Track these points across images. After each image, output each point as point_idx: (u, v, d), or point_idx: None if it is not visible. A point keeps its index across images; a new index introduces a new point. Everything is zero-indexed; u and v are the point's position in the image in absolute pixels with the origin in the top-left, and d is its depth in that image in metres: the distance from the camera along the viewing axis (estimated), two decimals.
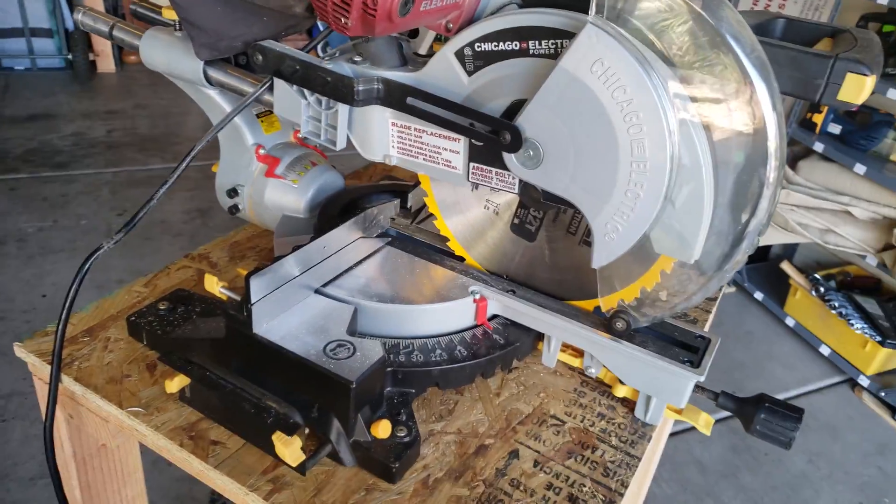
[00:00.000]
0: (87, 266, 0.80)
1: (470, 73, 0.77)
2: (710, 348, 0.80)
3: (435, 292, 0.85)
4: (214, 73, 0.91)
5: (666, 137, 0.66)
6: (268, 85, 0.86)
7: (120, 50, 4.69)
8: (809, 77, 0.63)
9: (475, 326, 0.86)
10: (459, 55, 0.76)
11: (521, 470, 0.75)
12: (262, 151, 0.96)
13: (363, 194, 1.00)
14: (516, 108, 0.74)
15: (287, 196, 0.96)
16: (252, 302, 0.72)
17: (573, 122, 0.70)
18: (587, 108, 0.68)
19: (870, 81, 0.67)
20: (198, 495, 1.85)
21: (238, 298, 0.74)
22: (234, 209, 0.99)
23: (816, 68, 0.62)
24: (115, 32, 0.99)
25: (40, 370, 0.83)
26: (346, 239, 0.86)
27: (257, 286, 0.72)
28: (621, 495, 0.74)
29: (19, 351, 0.84)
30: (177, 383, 0.74)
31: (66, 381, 0.81)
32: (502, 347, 0.84)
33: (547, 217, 0.84)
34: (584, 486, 0.74)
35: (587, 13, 0.68)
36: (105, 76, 4.55)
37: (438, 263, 0.90)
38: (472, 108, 0.76)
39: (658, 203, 0.69)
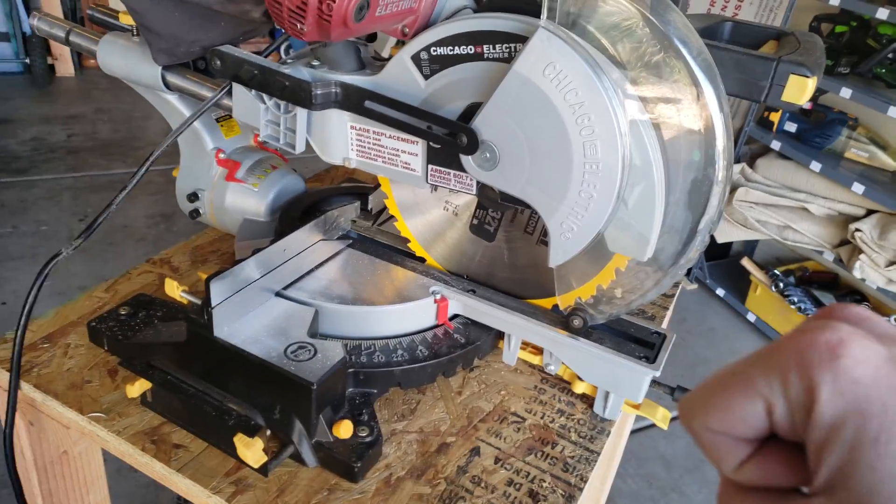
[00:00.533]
0: (45, 272, 0.79)
1: (426, 77, 0.78)
2: (665, 344, 0.82)
3: (396, 293, 0.86)
4: (173, 79, 0.91)
5: (617, 139, 0.68)
6: (226, 90, 0.86)
7: (79, 54, 4.60)
8: (754, 79, 0.65)
9: (436, 326, 0.88)
10: (416, 59, 0.77)
11: (482, 467, 0.77)
12: (222, 156, 0.96)
13: (324, 197, 1.01)
14: (473, 111, 0.76)
15: (248, 200, 0.96)
16: (212, 305, 0.72)
17: (527, 124, 0.71)
18: (540, 111, 0.70)
19: (811, 83, 0.69)
20: (163, 501, 1.83)
21: (199, 302, 0.74)
22: (195, 213, 0.99)
23: (761, 70, 0.65)
24: (72, 38, 0.98)
25: None
26: (306, 242, 0.86)
27: (218, 290, 0.72)
28: (580, 490, 0.75)
29: None
30: (138, 388, 0.73)
31: (26, 388, 0.80)
32: (463, 346, 0.85)
33: (505, 217, 0.85)
34: (545, 481, 0.76)
35: (536, 16, 0.70)
36: (64, 80, 4.46)
37: (399, 265, 0.91)
38: (428, 111, 0.77)
39: (611, 203, 0.71)
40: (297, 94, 0.80)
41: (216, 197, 0.97)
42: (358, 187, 1.05)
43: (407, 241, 0.93)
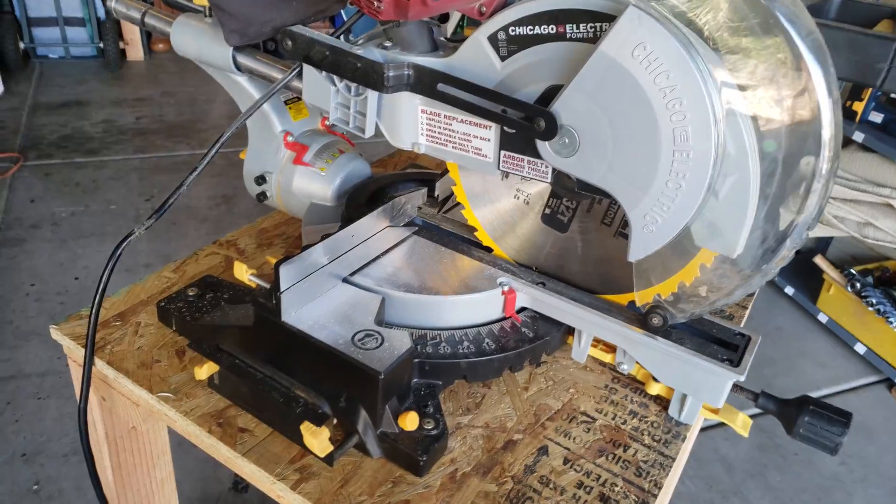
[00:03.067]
0: (119, 251, 0.80)
1: (503, 58, 0.74)
2: (750, 346, 0.77)
3: (462, 283, 0.83)
4: (244, 60, 0.90)
5: (711, 125, 0.63)
6: (297, 71, 0.85)
7: (148, 38, 4.73)
8: (870, 60, 0.60)
9: (503, 319, 0.85)
10: (493, 40, 0.74)
11: (550, 467, 0.74)
12: (290, 139, 0.95)
13: (390, 183, 0.99)
14: (551, 94, 0.72)
15: (315, 184, 0.94)
16: (281, 290, 0.71)
17: (612, 108, 0.67)
18: (627, 95, 0.66)
19: None
20: (222, 477, 1.86)
21: (267, 286, 0.72)
22: (262, 196, 0.98)
23: (879, 51, 0.59)
24: (147, 19, 0.98)
25: (74, 352, 0.84)
26: (373, 228, 0.84)
27: (286, 274, 0.71)
28: (654, 496, 0.72)
29: (55, 333, 0.85)
30: (206, 370, 0.73)
31: (99, 365, 0.81)
32: (531, 341, 0.82)
33: (580, 207, 0.81)
34: (616, 485, 0.72)
35: None
36: (134, 64, 4.59)
37: (466, 254, 0.89)
38: (504, 94, 0.73)
39: (701, 194, 0.66)
40: (369, 76, 0.77)
41: (283, 180, 0.96)
42: (424, 173, 1.03)
43: (474, 229, 0.90)
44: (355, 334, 0.73)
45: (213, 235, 2.83)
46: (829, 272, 2.64)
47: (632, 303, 0.81)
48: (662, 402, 0.83)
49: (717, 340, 0.79)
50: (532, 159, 0.76)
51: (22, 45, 4.21)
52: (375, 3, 0.65)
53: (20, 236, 2.73)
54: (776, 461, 2.12)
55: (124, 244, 0.80)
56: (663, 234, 0.70)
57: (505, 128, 0.76)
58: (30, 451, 1.86)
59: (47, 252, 2.66)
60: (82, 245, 2.72)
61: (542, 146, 0.73)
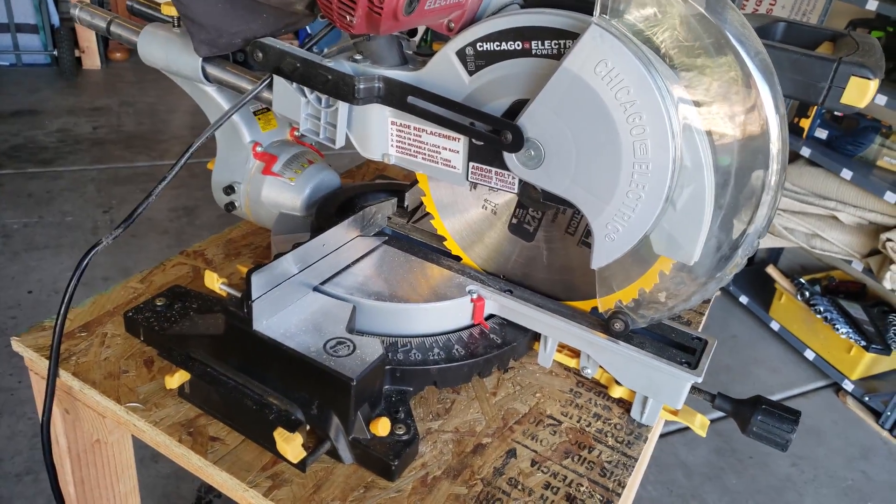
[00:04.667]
0: (86, 261, 0.79)
1: (471, 73, 0.77)
2: (706, 350, 0.81)
3: (432, 291, 0.85)
4: (213, 70, 0.91)
5: (669, 139, 0.67)
6: (267, 82, 0.86)
7: (105, 47, 4.64)
8: (812, 80, 0.64)
9: (472, 326, 0.87)
10: (461, 55, 0.76)
11: (518, 469, 0.76)
12: (259, 149, 0.96)
13: (360, 193, 1.00)
14: (518, 107, 0.75)
15: (284, 194, 0.95)
16: (253, 299, 0.72)
17: (575, 122, 0.70)
18: (590, 109, 0.69)
19: (873, 85, 0.68)
20: (185, 493, 1.83)
21: (238, 295, 0.73)
22: (231, 206, 0.98)
23: (820, 71, 0.63)
24: (113, 28, 0.98)
25: (37, 364, 0.82)
26: (344, 237, 0.86)
27: (258, 283, 0.72)
28: (618, 495, 0.74)
29: (16, 345, 0.83)
30: (177, 379, 0.73)
31: (64, 377, 0.80)
32: (499, 347, 0.84)
33: (545, 217, 0.84)
34: (582, 485, 0.75)
35: (590, 14, 0.68)
36: (90, 73, 4.50)
37: (435, 262, 0.90)
38: (472, 107, 0.76)
39: (659, 204, 0.70)
40: (340, 88, 0.79)
41: (252, 190, 0.96)
42: (393, 184, 1.04)
43: (443, 238, 0.92)
44: (327, 342, 0.74)
45: (174, 248, 2.80)
46: (780, 281, 2.74)
47: (594, 309, 0.84)
48: (625, 405, 0.86)
49: (676, 344, 0.82)
50: (499, 171, 0.79)
51: None
52: (348, 18, 0.66)
53: None
54: (732, 464, 2.19)
55: (91, 253, 0.80)
56: (624, 243, 0.73)
57: (473, 140, 0.78)
58: None
59: None
60: (36, 258, 2.65)
61: (509, 158, 0.76)
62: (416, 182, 0.97)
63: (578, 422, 0.83)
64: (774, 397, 2.54)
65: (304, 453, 0.68)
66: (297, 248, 0.77)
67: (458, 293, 0.85)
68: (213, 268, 1.01)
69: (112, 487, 1.01)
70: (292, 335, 0.74)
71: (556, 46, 0.71)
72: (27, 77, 4.27)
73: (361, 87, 0.78)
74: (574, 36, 0.69)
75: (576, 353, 0.88)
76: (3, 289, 2.46)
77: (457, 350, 0.82)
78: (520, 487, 0.73)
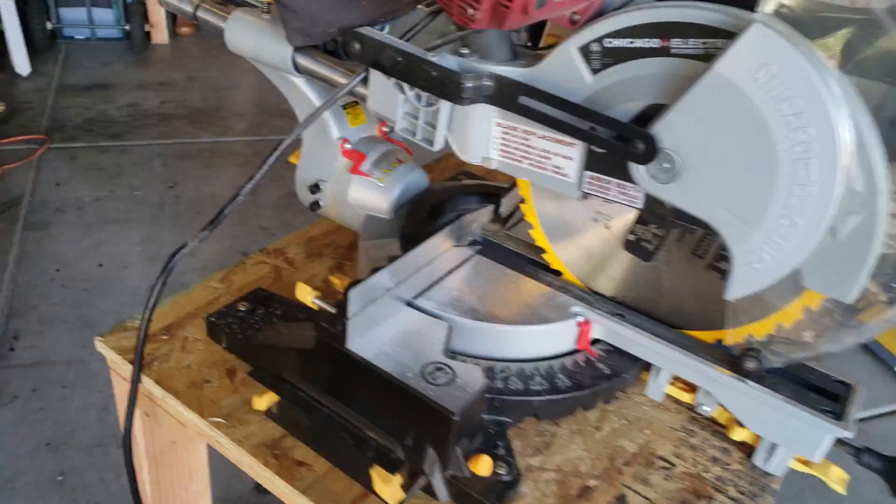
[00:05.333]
0: (171, 264, 0.74)
1: (595, 72, 0.68)
2: (852, 397, 0.71)
3: (533, 311, 0.77)
4: (304, 61, 0.84)
5: (839, 159, 0.57)
6: (362, 76, 0.79)
7: (173, 21, 4.67)
8: None
9: (576, 351, 0.79)
10: (585, 51, 0.68)
11: None
12: (347, 146, 0.89)
13: (450, 195, 0.93)
14: (649, 113, 0.66)
15: (372, 195, 0.89)
16: (349, 317, 0.65)
17: (723, 134, 0.61)
18: (743, 120, 0.59)
19: None
20: (245, 477, 1.82)
21: (332, 310, 0.67)
22: (315, 205, 0.92)
23: None
24: (200, 13, 0.92)
25: (120, 367, 0.79)
26: (439, 249, 0.78)
27: (355, 300, 0.65)
28: None
29: (99, 346, 0.80)
30: (266, 401, 0.68)
31: (147, 383, 0.76)
32: (607, 378, 0.76)
33: (670, 235, 0.75)
34: None
35: (749, 9, 0.59)
36: (158, 47, 4.53)
37: (534, 277, 0.82)
38: (596, 111, 0.67)
39: (818, 234, 0.60)
40: (445, 87, 0.71)
41: (339, 190, 0.90)
42: (486, 186, 0.96)
43: (542, 251, 0.83)
44: (424, 367, 0.67)
45: (237, 226, 2.79)
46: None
47: (719, 341, 0.75)
48: (746, 449, 0.76)
49: (813, 387, 0.72)
50: (622, 182, 0.70)
51: (49, 26, 4.16)
52: (469, 12, 0.58)
53: (46, 220, 2.69)
54: None
55: (176, 257, 0.75)
56: (769, 274, 0.64)
57: (593, 147, 0.70)
58: (55, 441, 1.83)
59: (72, 237, 2.62)
60: (107, 231, 2.68)
61: (637, 170, 0.67)
62: (513, 185, 0.89)
63: (694, 466, 0.74)
64: (861, 414, 2.38)
65: (403, 495, 0.61)
66: (394, 262, 0.70)
67: (563, 315, 0.77)
68: (295, 268, 0.95)
69: (186, 488, 0.98)
70: (386, 356, 0.68)
71: (703, 46, 0.61)
72: (100, 51, 4.33)
73: (469, 85, 0.70)
74: (727, 34, 0.59)
75: (691, 387, 0.79)
76: (77, 261, 2.49)
77: (560, 379, 0.74)
78: None
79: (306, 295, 0.69)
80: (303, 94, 0.88)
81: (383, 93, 0.78)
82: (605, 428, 0.77)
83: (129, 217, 2.79)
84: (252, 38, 0.86)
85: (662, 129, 0.64)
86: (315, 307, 0.69)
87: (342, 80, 0.82)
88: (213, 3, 0.93)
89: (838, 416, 0.68)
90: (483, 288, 0.80)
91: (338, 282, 0.72)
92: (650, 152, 0.65)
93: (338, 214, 0.92)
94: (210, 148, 3.35)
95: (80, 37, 4.45)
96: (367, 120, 0.93)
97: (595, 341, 0.79)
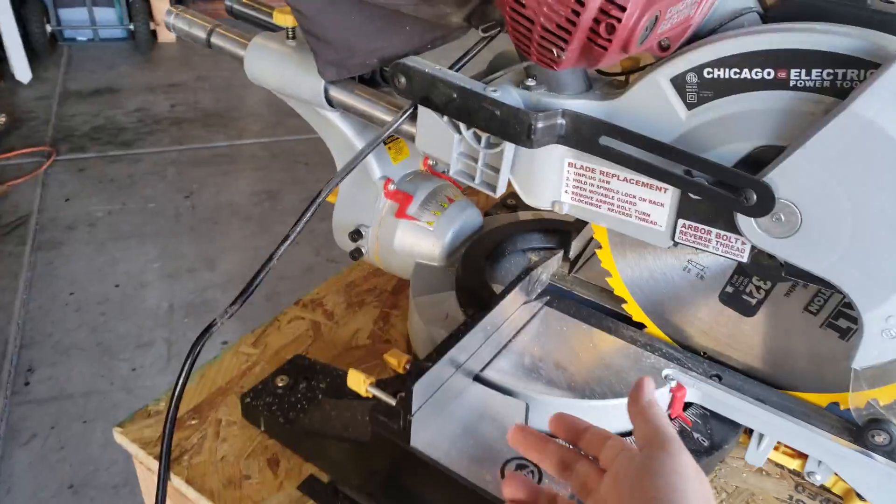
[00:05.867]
0: (199, 347, 0.65)
1: (690, 107, 0.58)
2: None
3: (620, 378, 0.67)
4: (338, 94, 0.74)
5: None
6: (408, 113, 0.69)
7: None
8: None
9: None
10: (678, 83, 0.57)
11: None
12: (391, 186, 0.79)
13: (508, 235, 0.83)
14: (760, 156, 0.55)
15: (422, 241, 0.79)
16: (413, 413, 0.56)
17: (858, 183, 0.51)
18: (885, 167, 0.49)
19: None
20: None
21: (391, 401, 0.57)
22: (357, 253, 0.83)
23: None
24: (215, 39, 0.82)
25: (145, 461, 0.70)
26: (510, 310, 0.69)
27: (420, 394, 0.56)
28: None
29: (119, 437, 0.71)
30: None
31: (177, 482, 0.67)
32: (707, 452, 0.66)
33: (777, 289, 0.65)
34: None
35: (891, 32, 0.48)
36: (165, 46, 4.42)
37: (615, 333, 0.73)
38: (694, 154, 0.57)
39: None
40: (510, 127, 0.61)
41: (383, 236, 0.80)
42: (547, 221, 0.86)
43: (622, 300, 0.74)
44: (505, 466, 0.58)
45: (257, 235, 2.70)
46: None
47: (833, 405, 0.65)
48: None
49: None
50: (724, 233, 0.60)
51: (48, 28, 4.05)
52: (555, 52, 0.48)
53: (56, 239, 2.61)
54: None
55: (205, 337, 0.66)
56: None
57: (690, 194, 0.59)
58: (77, 482, 1.76)
59: (85, 256, 2.54)
60: (121, 248, 2.60)
61: (746, 222, 0.57)
62: (581, 224, 0.79)
63: None
64: None
65: None
66: (462, 338, 0.61)
67: (654, 380, 0.67)
68: (335, 322, 0.86)
69: None
70: (459, 452, 0.59)
71: (831, 77, 0.51)
72: (104, 52, 4.23)
73: (539, 126, 0.60)
74: (865, 65, 0.49)
75: (798, 453, 0.69)
76: (92, 282, 2.42)
77: None
78: None
79: (360, 384, 0.59)
80: (338, 130, 0.78)
81: (434, 132, 0.68)
82: None
83: (144, 231, 2.70)
84: (277, 70, 0.76)
85: (779, 177, 0.53)
86: (369, 395, 0.60)
87: (385, 117, 0.72)
88: (228, 28, 0.83)
89: None
90: (558, 349, 0.70)
91: (394, 361, 0.63)
92: (766, 204, 0.54)
93: (383, 262, 0.82)
94: (225, 152, 3.25)
95: (82, 38, 4.34)
96: (411, 153, 0.83)
97: (687, 405, 0.70)
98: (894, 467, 0.60)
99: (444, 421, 0.61)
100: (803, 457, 0.69)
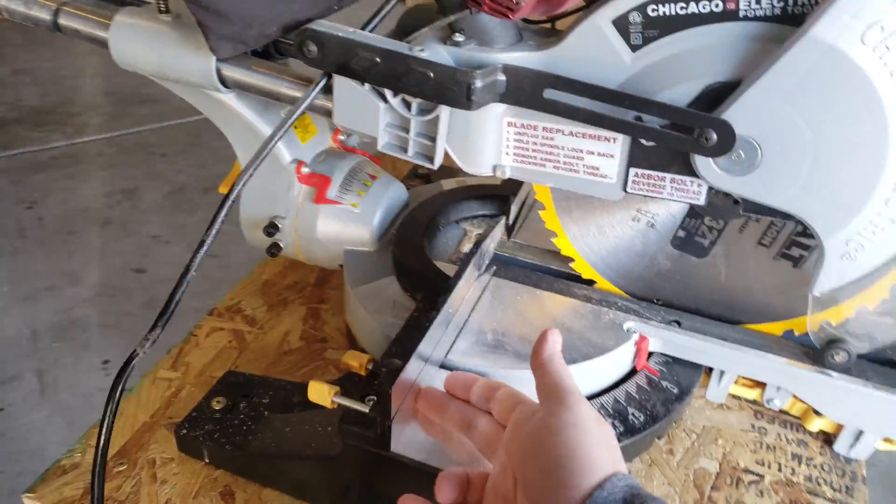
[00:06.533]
0: (122, 381, 0.54)
1: (635, 48, 0.55)
2: None
3: (584, 339, 0.65)
4: (234, 73, 0.65)
5: None
6: (321, 86, 0.61)
7: None
8: None
9: (632, 373, 0.68)
10: (621, 24, 0.54)
11: None
12: (304, 170, 0.71)
13: (440, 208, 0.78)
14: (711, 95, 0.54)
15: (348, 226, 0.72)
16: (392, 417, 0.50)
17: (819, 112, 0.50)
18: (847, 93, 0.48)
19: None
20: None
21: (363, 410, 0.51)
22: (275, 249, 0.74)
23: None
24: (64, 21, 0.69)
25: None
26: (466, 287, 0.64)
27: (398, 396, 0.50)
28: None
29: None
30: None
31: None
32: (679, 399, 0.66)
33: (729, 227, 0.64)
34: None
35: None
36: None
37: (567, 294, 0.70)
38: (648, 98, 0.54)
39: None
40: (446, 90, 0.55)
41: (303, 225, 0.72)
42: (474, 188, 0.81)
43: (570, 259, 0.71)
44: None
45: (121, 239, 2.45)
46: None
47: (788, 332, 0.67)
48: (823, 437, 0.70)
49: (891, 363, 0.66)
50: (679, 178, 0.58)
51: None
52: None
53: None
54: None
55: (128, 370, 0.55)
56: (867, 262, 0.55)
57: (642, 140, 0.57)
58: None
59: None
60: None
61: (704, 163, 0.55)
62: (517, 185, 0.76)
63: (780, 470, 0.67)
64: None
65: None
66: (430, 329, 0.55)
67: (616, 336, 0.65)
68: (259, 328, 0.77)
69: None
70: (438, 449, 0.54)
71: (782, 4, 0.49)
72: None
73: (479, 85, 0.55)
74: None
75: (756, 384, 0.71)
76: None
77: (634, 416, 0.63)
78: None
79: (325, 396, 0.52)
80: (235, 114, 0.69)
81: (355, 104, 0.61)
82: (677, 450, 0.68)
83: None
84: (154, 51, 0.65)
85: (738, 113, 0.52)
86: (333, 405, 0.53)
87: (293, 94, 0.63)
88: (79, 6, 0.70)
89: None
90: (517, 321, 0.66)
91: (355, 363, 0.56)
92: (726, 143, 0.53)
93: (306, 255, 0.74)
94: (67, 153, 2.91)
95: None
96: (319, 130, 0.75)
97: (649, 355, 0.69)
98: (850, 381, 0.63)
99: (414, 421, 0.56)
100: (761, 386, 0.70)
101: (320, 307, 0.80)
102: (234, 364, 0.73)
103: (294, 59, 0.63)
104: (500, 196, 0.80)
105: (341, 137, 0.77)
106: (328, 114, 0.63)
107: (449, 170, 0.88)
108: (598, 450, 0.41)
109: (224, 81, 0.65)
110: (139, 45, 0.66)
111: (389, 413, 0.50)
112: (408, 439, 0.54)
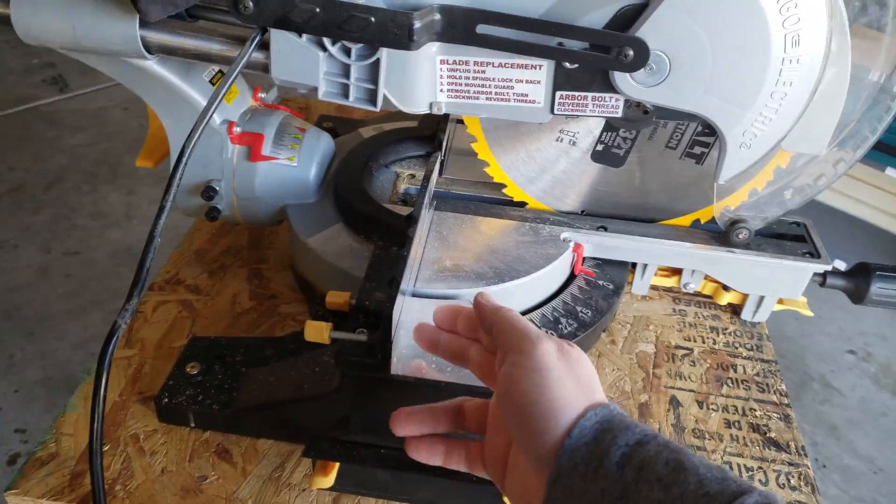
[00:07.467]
0: (108, 352, 0.54)
1: None
2: (812, 232, 0.78)
3: (532, 252, 0.71)
4: (160, 37, 0.63)
5: (826, 23, 0.58)
6: (257, 41, 0.61)
7: None
8: None
9: (573, 278, 0.76)
10: None
11: (692, 416, 0.69)
12: (236, 130, 0.71)
13: (371, 152, 0.80)
14: (624, 16, 0.60)
15: (288, 180, 0.73)
16: (392, 340, 0.54)
17: (715, 23, 0.58)
18: (736, 4, 0.57)
19: None
20: None
21: (361, 339, 0.54)
22: (214, 213, 0.74)
23: None
24: None
25: None
26: (426, 224, 0.68)
27: (396, 316, 0.54)
28: (789, 406, 0.72)
29: (15, 501, 0.57)
30: (331, 475, 0.55)
31: None
32: (616, 293, 0.75)
33: (641, 135, 0.72)
34: (755, 410, 0.71)
35: None
36: None
37: (507, 217, 0.76)
38: (575, 25, 0.60)
39: (806, 98, 0.62)
40: (388, 32, 0.59)
41: (241, 186, 0.72)
42: (397, 132, 0.84)
43: (502, 185, 0.77)
44: None
45: (64, 221, 2.18)
46: None
47: (696, 222, 0.77)
48: (730, 308, 0.82)
49: (779, 235, 0.78)
50: (599, 95, 0.65)
51: None
52: None
53: None
54: None
55: (113, 341, 0.55)
56: (761, 148, 0.65)
57: (566, 64, 0.63)
58: None
59: None
60: None
61: (622, 78, 0.62)
62: (433, 122, 0.80)
63: (704, 342, 0.78)
64: None
65: None
66: (401, 261, 0.59)
67: (557, 246, 0.72)
68: (207, 296, 0.77)
69: None
70: (431, 365, 0.58)
71: None
72: None
73: (418, 25, 0.58)
74: None
75: (672, 272, 0.81)
76: None
77: (583, 313, 0.71)
78: (707, 436, 0.68)
79: (323, 333, 0.55)
80: (158, 80, 0.67)
81: (293, 56, 0.62)
82: (618, 340, 0.77)
83: None
84: (66, 21, 0.62)
85: (650, 30, 0.59)
86: (328, 341, 0.56)
87: (227, 53, 0.63)
88: None
89: (815, 254, 0.75)
90: (468, 245, 0.72)
91: (339, 300, 0.59)
92: (642, 58, 0.60)
93: (246, 216, 0.75)
94: None
95: None
96: (240, 90, 0.75)
97: (583, 260, 0.77)
98: (751, 254, 0.74)
99: (401, 341, 0.60)
100: (677, 273, 0.81)
101: (261, 267, 0.81)
102: (190, 332, 0.72)
103: (206, 19, 0.63)
104: (422, 137, 0.84)
105: (261, 95, 0.77)
106: (265, 69, 0.64)
107: (360, 121, 0.90)
108: (563, 388, 0.40)
109: (149, 47, 0.64)
110: (50, 16, 0.62)
111: (390, 336, 0.54)
112: (405, 363, 0.58)
